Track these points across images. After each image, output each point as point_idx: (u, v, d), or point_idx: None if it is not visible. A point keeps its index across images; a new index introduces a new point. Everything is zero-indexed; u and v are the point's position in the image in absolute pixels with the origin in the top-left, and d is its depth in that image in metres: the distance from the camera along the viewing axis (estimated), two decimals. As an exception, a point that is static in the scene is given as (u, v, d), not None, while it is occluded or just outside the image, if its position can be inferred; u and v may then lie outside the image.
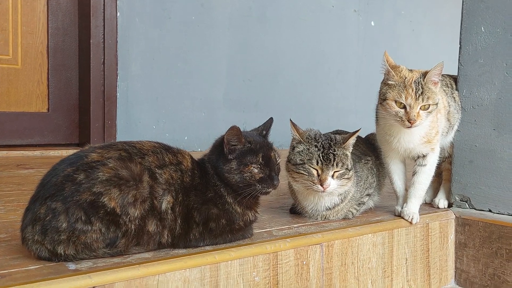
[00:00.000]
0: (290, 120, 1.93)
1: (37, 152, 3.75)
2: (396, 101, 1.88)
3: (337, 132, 2.26)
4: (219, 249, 1.57)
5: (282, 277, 1.68)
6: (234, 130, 1.59)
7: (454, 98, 2.22)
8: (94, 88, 4.07)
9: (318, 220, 1.99)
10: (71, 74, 4.15)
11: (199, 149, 4.40)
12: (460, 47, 2.22)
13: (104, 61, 4.12)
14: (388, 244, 1.97)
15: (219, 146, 1.64)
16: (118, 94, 4.22)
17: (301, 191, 1.96)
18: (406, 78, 1.88)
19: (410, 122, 1.85)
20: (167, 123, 4.43)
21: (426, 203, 2.36)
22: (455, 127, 2.24)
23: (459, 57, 2.23)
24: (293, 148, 1.94)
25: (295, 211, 2.09)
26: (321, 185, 1.83)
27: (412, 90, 1.85)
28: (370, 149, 2.22)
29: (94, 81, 4.07)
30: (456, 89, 2.24)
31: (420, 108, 1.86)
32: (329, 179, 1.84)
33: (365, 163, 2.10)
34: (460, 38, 2.22)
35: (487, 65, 2.13)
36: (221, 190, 1.61)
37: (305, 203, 1.99)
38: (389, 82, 1.91)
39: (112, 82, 4.18)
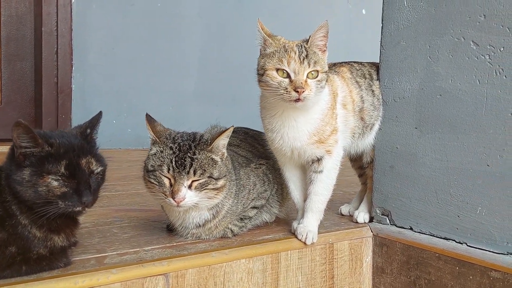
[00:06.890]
0: (146, 114, 1.56)
1: (-12, 148, 3.47)
2: (278, 70, 1.50)
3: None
4: (-5, 286, 1.20)
5: (100, 319, 1.31)
6: (21, 127, 1.20)
7: (372, 91, 1.80)
8: (47, 80, 3.84)
9: (187, 240, 1.60)
10: (26, 64, 3.90)
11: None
12: (382, 26, 1.80)
13: (57, 50, 3.86)
14: (271, 271, 1.57)
15: (13, 149, 1.27)
16: (73, 85, 3.95)
17: (164, 204, 1.59)
18: (286, 43, 1.54)
19: (297, 92, 1.46)
20: (129, 118, 4.11)
21: (350, 215, 1.96)
22: (376, 127, 1.82)
23: (381, 38, 1.80)
24: (150, 150, 1.56)
25: (170, 228, 1.71)
26: (173, 198, 1.45)
27: (295, 53, 1.50)
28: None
29: (46, 72, 3.84)
30: (378, 79, 1.82)
31: (307, 76, 1.49)
32: (184, 190, 1.45)
33: (255, 167, 1.71)
34: (382, 15, 1.79)
35: (410, 47, 1.70)
36: (13, 208, 1.23)
37: (172, 218, 1.61)
38: (267, 51, 1.55)
39: (66, 73, 3.93)
